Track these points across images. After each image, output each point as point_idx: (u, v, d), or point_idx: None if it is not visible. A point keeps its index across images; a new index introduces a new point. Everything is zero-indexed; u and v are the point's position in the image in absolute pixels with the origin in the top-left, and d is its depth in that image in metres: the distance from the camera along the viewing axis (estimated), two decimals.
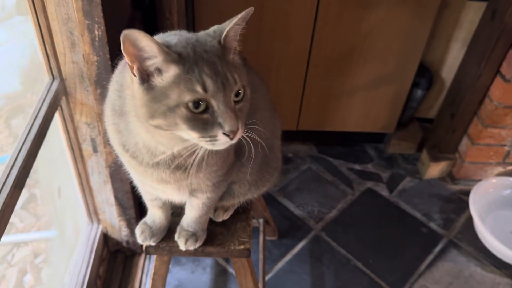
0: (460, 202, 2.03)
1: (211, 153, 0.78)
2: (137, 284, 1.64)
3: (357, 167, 2.17)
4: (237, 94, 0.68)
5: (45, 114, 1.11)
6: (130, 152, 0.79)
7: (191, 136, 0.67)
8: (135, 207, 1.54)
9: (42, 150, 1.13)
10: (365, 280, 1.68)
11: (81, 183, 1.48)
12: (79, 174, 1.45)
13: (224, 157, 0.85)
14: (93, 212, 1.59)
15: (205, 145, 0.68)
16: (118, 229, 1.62)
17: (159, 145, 0.75)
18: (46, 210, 1.86)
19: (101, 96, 1.18)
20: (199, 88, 0.63)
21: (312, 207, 1.95)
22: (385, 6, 1.72)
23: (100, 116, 1.23)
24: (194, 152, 0.73)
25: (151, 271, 1.17)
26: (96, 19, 1.03)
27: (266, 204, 1.59)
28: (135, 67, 0.64)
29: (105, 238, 1.67)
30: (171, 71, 0.64)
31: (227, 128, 0.65)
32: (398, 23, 1.77)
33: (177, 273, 1.67)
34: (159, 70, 0.64)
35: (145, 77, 0.65)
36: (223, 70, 0.65)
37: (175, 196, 0.94)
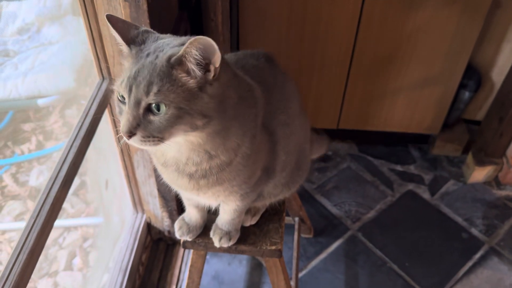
0: (505, 209, 1.97)
1: (223, 169, 0.81)
2: (176, 271, 1.72)
3: (398, 168, 2.14)
4: (157, 108, 0.68)
5: (95, 112, 1.19)
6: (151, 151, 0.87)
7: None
8: (176, 199, 1.61)
9: (94, 143, 1.21)
10: (400, 283, 1.68)
11: (127, 175, 1.57)
12: (125, 167, 1.53)
13: (247, 175, 0.88)
14: (138, 203, 1.68)
15: None
16: (161, 219, 1.71)
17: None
18: (94, 197, 1.98)
19: None
20: (119, 82, 0.71)
21: (350, 206, 1.96)
22: (432, 6, 1.68)
23: None
24: (193, 161, 0.79)
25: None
26: (143, 25, 1.08)
27: (302, 202, 1.61)
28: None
29: (149, 227, 1.76)
30: (127, 61, 0.73)
31: (121, 125, 0.70)
32: (445, 23, 1.73)
33: (214, 264, 1.74)
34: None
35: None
36: (143, 79, 0.68)
37: (205, 201, 0.99)
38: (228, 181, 0.84)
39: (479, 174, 2.05)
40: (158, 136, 0.70)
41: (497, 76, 1.99)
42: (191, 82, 0.69)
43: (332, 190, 2.02)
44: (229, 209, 1.00)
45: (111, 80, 1.27)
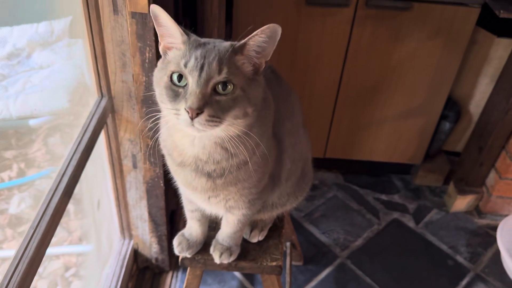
0: (487, 237, 2.02)
1: (240, 167, 0.84)
2: None
3: (383, 197, 2.18)
4: (223, 88, 0.73)
5: (93, 128, 1.19)
6: (167, 149, 0.88)
7: (166, 106, 0.75)
8: (167, 224, 1.59)
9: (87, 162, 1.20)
10: None
11: (117, 198, 1.54)
12: (116, 189, 1.51)
13: (258, 177, 0.89)
14: (126, 228, 1.65)
15: (173, 118, 0.75)
16: (149, 245, 1.67)
17: (182, 140, 0.83)
18: (79, 224, 1.92)
19: (146, 114, 1.25)
20: (182, 63, 0.73)
21: (338, 234, 1.97)
22: (415, 40, 1.78)
23: (142, 133, 1.31)
24: (213, 159, 0.81)
25: None
26: (148, 42, 1.11)
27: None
28: (162, 44, 0.78)
29: (136, 254, 1.71)
30: (179, 49, 0.76)
31: (188, 103, 0.71)
32: (427, 57, 1.83)
33: None
34: (176, 48, 0.77)
35: (166, 51, 0.79)
36: (213, 59, 0.72)
37: (212, 208, 0.99)
38: (242, 182, 0.85)
39: (461, 203, 2.11)
40: (220, 117, 0.73)
41: (475, 108, 2.09)
42: (250, 69, 0.76)
43: (320, 218, 2.03)
44: (233, 220, 1.00)
45: (110, 98, 1.28)
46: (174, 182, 0.99)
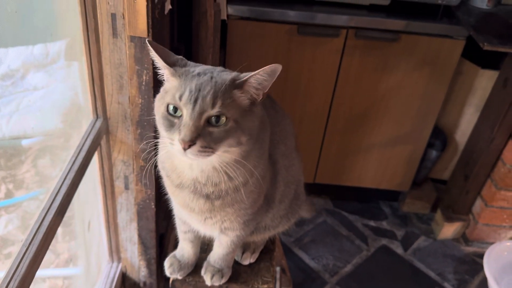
0: (474, 264, 2.04)
1: (238, 189, 0.85)
2: None
3: (372, 223, 2.20)
4: (216, 121, 0.75)
5: (88, 148, 1.20)
6: (166, 170, 0.89)
7: (162, 134, 0.79)
8: (156, 247, 1.58)
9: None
10: None
11: (107, 220, 1.54)
12: (107, 210, 1.51)
13: (253, 198, 0.91)
14: (115, 250, 1.63)
15: (168, 146, 0.78)
16: (138, 269, 1.65)
17: (181, 163, 0.85)
18: (65, 247, 1.90)
19: (140, 136, 1.27)
20: (177, 96, 0.75)
21: (327, 260, 1.97)
22: (403, 69, 1.84)
23: (136, 155, 1.32)
24: (212, 182, 0.83)
25: None
26: (146, 65, 1.14)
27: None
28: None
29: (123, 278, 1.69)
30: (173, 81, 0.78)
31: (181, 135, 0.74)
32: (414, 86, 1.89)
33: None
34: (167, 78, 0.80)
35: (164, 80, 0.82)
36: (207, 93, 0.74)
37: (207, 229, 1.00)
38: (239, 203, 0.86)
39: (448, 230, 2.13)
40: (213, 147, 0.75)
41: (461, 137, 2.14)
42: (246, 102, 0.78)
43: (310, 243, 2.04)
44: (226, 241, 1.01)
45: (105, 119, 1.29)
46: (169, 204, 1.00)
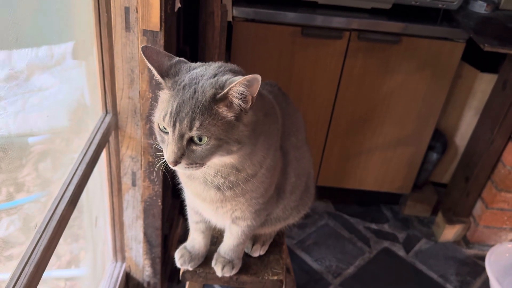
0: (475, 266, 2.05)
1: (248, 180, 0.86)
2: None
3: (373, 226, 2.21)
4: (199, 139, 0.76)
5: (98, 142, 1.21)
6: None
7: (159, 146, 0.82)
8: (161, 245, 1.58)
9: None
10: None
11: (113, 218, 1.54)
12: (113, 208, 1.51)
13: (265, 187, 0.92)
14: (119, 250, 1.63)
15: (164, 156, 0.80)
16: (142, 268, 1.65)
17: None
18: (67, 249, 1.89)
19: (150, 131, 1.28)
20: (161, 116, 0.77)
21: (330, 262, 1.97)
22: (404, 71, 1.87)
23: (144, 150, 1.33)
24: (221, 174, 0.84)
25: None
26: None
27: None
28: None
29: (127, 278, 1.69)
30: (164, 94, 0.79)
31: (166, 155, 0.78)
32: (415, 89, 1.91)
33: None
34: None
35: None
36: (186, 115, 0.74)
37: (218, 219, 1.01)
38: (250, 192, 0.88)
39: (449, 233, 2.15)
40: (199, 163, 0.78)
41: (461, 139, 2.17)
42: (230, 115, 0.76)
43: (312, 245, 2.04)
44: (237, 231, 1.01)
45: (115, 115, 1.30)
46: (182, 194, 1.01)
